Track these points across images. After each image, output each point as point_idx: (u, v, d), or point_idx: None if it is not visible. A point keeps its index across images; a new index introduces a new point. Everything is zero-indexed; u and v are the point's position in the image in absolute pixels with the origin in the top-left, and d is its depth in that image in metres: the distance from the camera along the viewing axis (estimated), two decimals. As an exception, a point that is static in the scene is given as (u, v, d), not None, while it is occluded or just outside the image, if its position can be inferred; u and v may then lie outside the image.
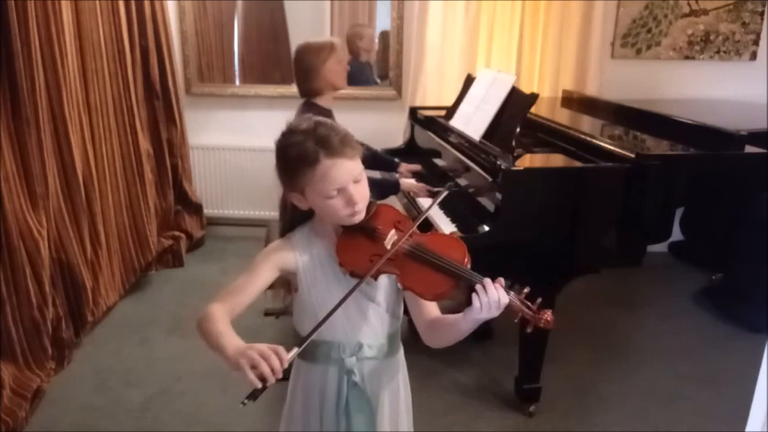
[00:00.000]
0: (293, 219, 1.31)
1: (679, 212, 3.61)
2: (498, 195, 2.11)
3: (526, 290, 1.18)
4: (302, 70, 2.55)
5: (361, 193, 1.21)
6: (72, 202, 2.74)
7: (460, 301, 1.37)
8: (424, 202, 2.57)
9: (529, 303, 1.17)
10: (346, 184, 1.18)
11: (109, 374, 2.60)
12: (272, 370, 1.02)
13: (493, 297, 1.12)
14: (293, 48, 2.65)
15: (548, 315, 1.16)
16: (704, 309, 3.31)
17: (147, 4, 3.40)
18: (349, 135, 1.21)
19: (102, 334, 2.91)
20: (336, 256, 1.24)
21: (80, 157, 2.77)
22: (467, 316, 1.16)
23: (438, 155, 2.84)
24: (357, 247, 1.23)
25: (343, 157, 1.17)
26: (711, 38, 3.74)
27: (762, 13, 3.71)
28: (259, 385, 1.02)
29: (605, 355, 2.85)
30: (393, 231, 1.25)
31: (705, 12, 3.70)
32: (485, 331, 2.85)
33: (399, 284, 1.23)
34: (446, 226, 2.26)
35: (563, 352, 2.74)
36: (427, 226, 2.28)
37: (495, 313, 1.14)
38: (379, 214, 1.28)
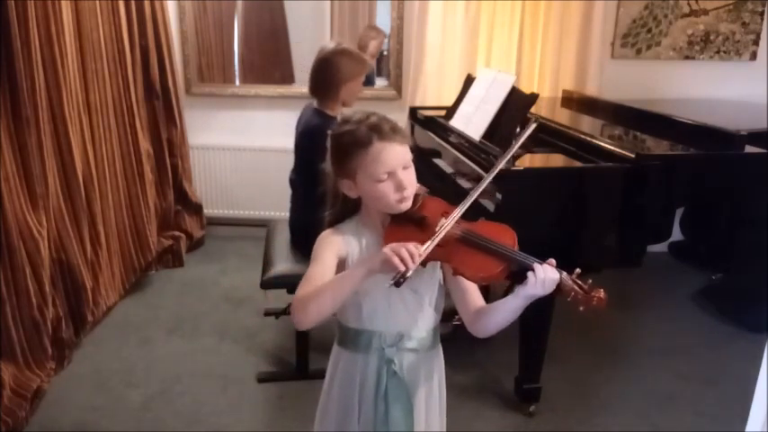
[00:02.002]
0: (344, 210, 1.35)
1: (679, 212, 3.61)
2: (498, 195, 2.11)
3: (578, 270, 1.22)
4: (324, 73, 2.46)
5: (410, 180, 1.27)
6: (72, 202, 2.74)
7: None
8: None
9: (580, 283, 1.21)
10: (396, 167, 1.24)
11: (109, 374, 2.60)
12: (412, 255, 1.12)
13: (547, 274, 1.19)
14: (293, 48, 2.63)
15: (600, 293, 1.19)
16: (704, 309, 3.31)
17: (147, 4, 3.40)
18: (399, 125, 1.29)
19: (102, 334, 2.91)
20: (384, 243, 1.26)
21: (80, 157, 2.77)
22: (519, 293, 1.21)
23: (438, 155, 2.83)
24: (406, 235, 1.25)
25: (394, 141, 1.25)
26: (711, 38, 3.74)
27: (762, 13, 3.71)
28: (403, 268, 1.12)
29: (605, 355, 2.85)
30: (443, 219, 1.28)
31: (705, 12, 3.70)
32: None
33: (451, 269, 1.26)
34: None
35: (563, 352, 2.74)
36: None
37: (548, 290, 1.20)
38: (426, 204, 1.32)
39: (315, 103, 2.57)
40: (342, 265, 1.30)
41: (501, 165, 1.40)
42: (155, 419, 2.34)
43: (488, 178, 1.35)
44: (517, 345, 2.39)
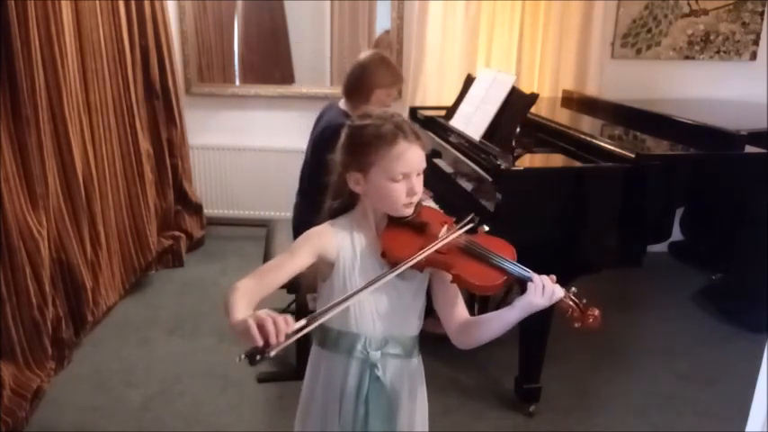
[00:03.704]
0: (344, 204, 1.34)
1: (679, 212, 3.61)
2: (498, 195, 2.11)
3: (573, 289, 1.24)
4: (359, 75, 2.54)
5: (420, 187, 1.27)
6: (72, 202, 2.74)
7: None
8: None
9: (576, 301, 1.24)
10: (414, 170, 1.25)
11: (109, 374, 2.60)
12: (277, 330, 1.00)
13: (546, 286, 1.20)
14: (293, 48, 2.64)
15: (595, 312, 1.23)
16: (704, 309, 3.31)
17: (147, 4, 3.40)
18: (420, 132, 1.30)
19: (102, 334, 2.91)
20: (381, 245, 1.27)
21: (80, 157, 2.77)
22: (516, 305, 1.22)
23: (438, 155, 2.83)
24: (405, 240, 1.26)
25: (417, 144, 1.26)
26: (711, 38, 3.74)
27: (762, 13, 3.71)
28: (260, 342, 0.98)
29: (605, 355, 2.85)
30: (445, 228, 1.29)
31: (705, 12, 3.70)
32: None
33: (451, 277, 1.26)
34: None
35: (563, 352, 2.73)
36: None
37: (546, 299, 1.21)
38: (425, 213, 1.33)
39: (341, 103, 2.62)
40: (325, 263, 1.28)
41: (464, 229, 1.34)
42: (155, 419, 2.34)
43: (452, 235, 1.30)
44: (517, 345, 2.39)
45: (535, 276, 1.22)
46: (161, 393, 2.49)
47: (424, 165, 1.27)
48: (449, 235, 1.27)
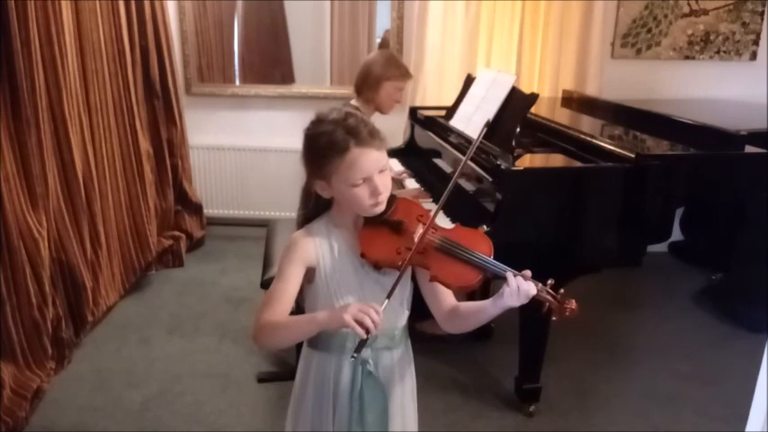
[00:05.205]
0: (316, 208, 1.34)
1: (679, 212, 3.61)
2: (498, 195, 2.11)
3: (551, 281, 1.23)
4: (368, 69, 2.68)
5: (385, 184, 1.25)
6: (72, 202, 2.74)
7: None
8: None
9: (553, 293, 1.22)
10: (372, 173, 1.22)
11: (109, 374, 2.60)
12: (374, 321, 1.11)
13: (521, 288, 1.18)
14: (293, 48, 2.68)
15: (572, 304, 1.22)
16: (704, 309, 3.31)
17: (147, 4, 3.40)
18: (376, 128, 1.26)
19: (102, 334, 2.91)
20: (359, 246, 1.27)
21: (80, 157, 2.77)
22: (496, 302, 1.21)
23: (438, 155, 2.84)
24: (382, 239, 1.26)
25: (371, 147, 1.22)
26: (711, 38, 3.74)
27: (762, 13, 3.71)
28: (365, 336, 1.11)
29: (605, 354, 2.85)
30: (420, 225, 1.28)
31: (705, 12, 3.70)
32: (485, 331, 2.85)
33: (429, 276, 1.26)
34: (446, 226, 2.26)
35: (563, 352, 2.74)
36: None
37: (523, 301, 1.20)
38: (400, 208, 1.31)
39: (353, 101, 2.71)
40: (311, 272, 1.29)
41: (462, 166, 1.36)
42: (155, 419, 2.34)
43: (459, 169, 1.34)
44: (517, 345, 2.39)
45: (511, 280, 1.19)
46: (161, 393, 2.49)
47: (383, 163, 1.24)
48: (422, 236, 1.25)
